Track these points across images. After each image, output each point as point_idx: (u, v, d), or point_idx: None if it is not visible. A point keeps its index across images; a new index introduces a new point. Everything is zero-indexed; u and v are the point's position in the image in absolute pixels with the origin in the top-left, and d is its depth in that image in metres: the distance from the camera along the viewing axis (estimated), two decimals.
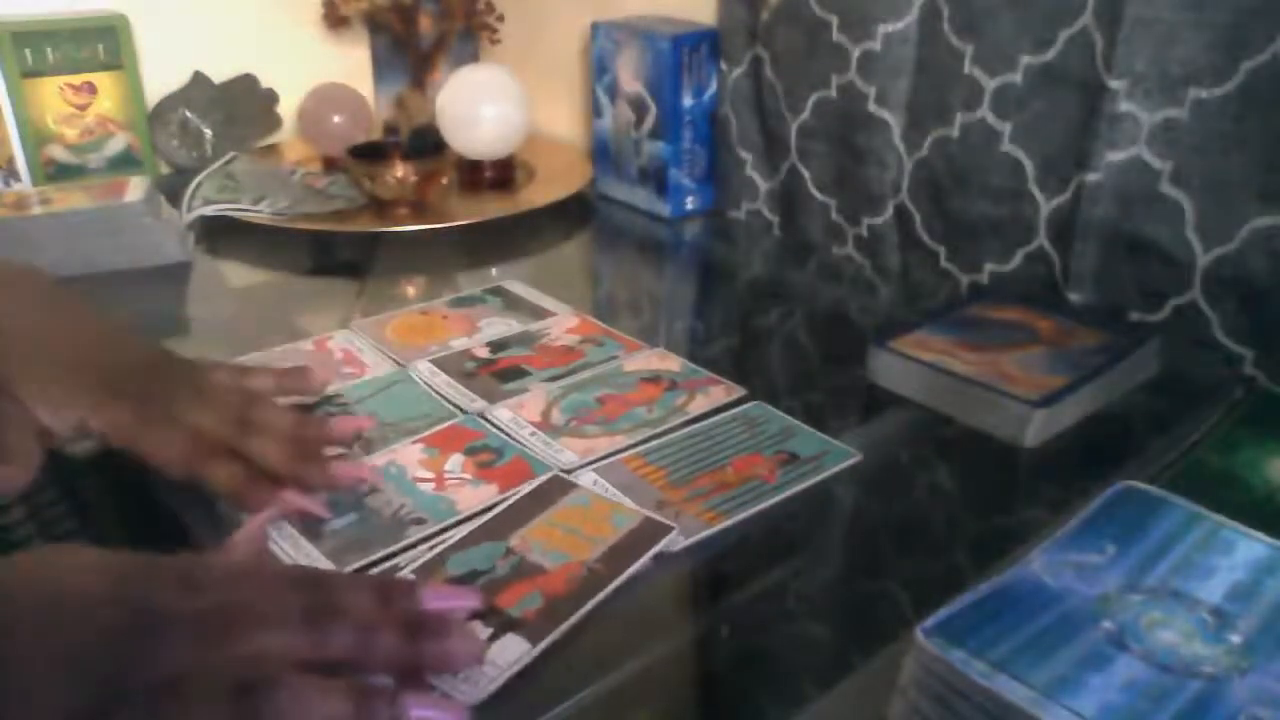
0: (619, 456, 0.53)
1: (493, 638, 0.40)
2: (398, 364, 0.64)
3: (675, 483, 0.51)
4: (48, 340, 0.49)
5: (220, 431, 0.48)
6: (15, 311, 0.50)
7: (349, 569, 0.44)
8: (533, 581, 0.43)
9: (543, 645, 0.40)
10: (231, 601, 0.35)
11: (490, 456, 0.53)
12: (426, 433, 0.55)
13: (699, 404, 0.58)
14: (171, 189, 0.90)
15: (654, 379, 0.61)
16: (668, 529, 0.47)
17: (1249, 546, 0.39)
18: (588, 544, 0.46)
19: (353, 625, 0.36)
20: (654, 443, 0.55)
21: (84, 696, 0.31)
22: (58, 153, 0.97)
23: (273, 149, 1.08)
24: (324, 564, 0.45)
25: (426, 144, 0.94)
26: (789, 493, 0.50)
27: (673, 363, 0.63)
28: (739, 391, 0.60)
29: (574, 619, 0.41)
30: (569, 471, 0.52)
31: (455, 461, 0.53)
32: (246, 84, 1.08)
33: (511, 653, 0.39)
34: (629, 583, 0.44)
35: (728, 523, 0.48)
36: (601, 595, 0.43)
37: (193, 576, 0.35)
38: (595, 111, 0.97)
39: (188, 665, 0.32)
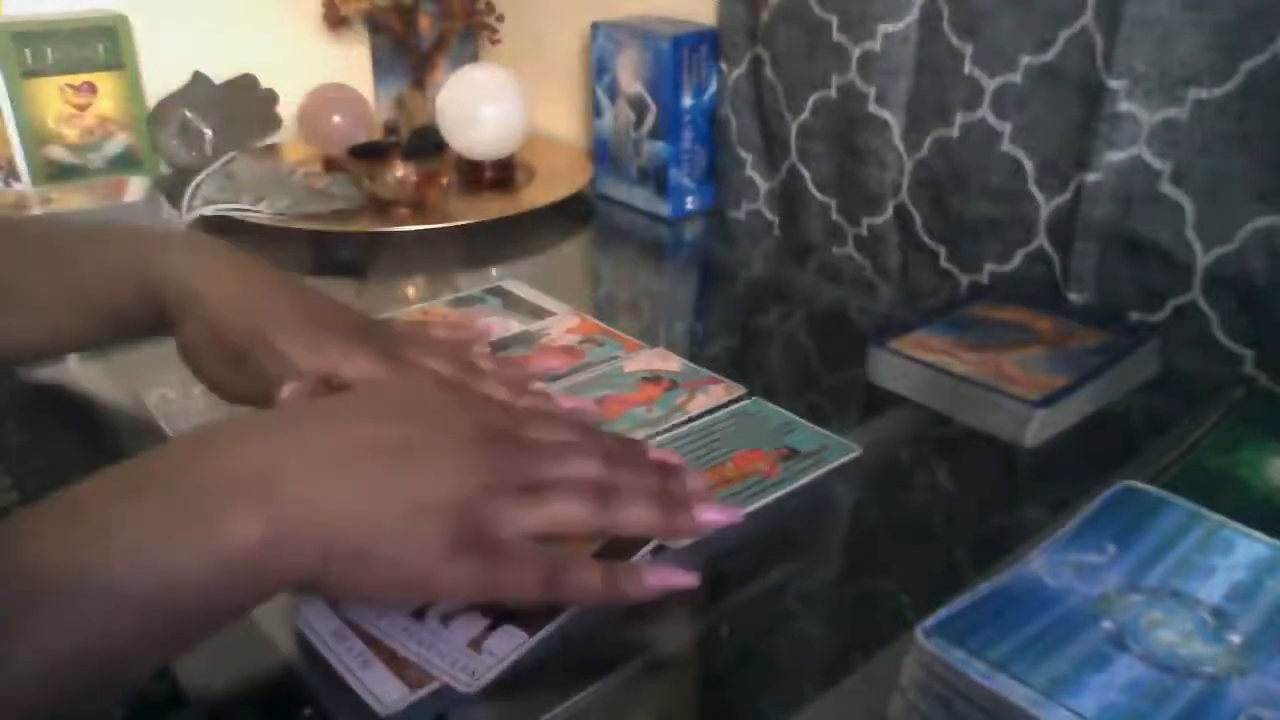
0: None
1: (490, 628, 0.40)
2: None
3: None
4: (286, 297, 0.50)
5: (452, 376, 0.52)
6: (238, 276, 0.51)
7: None
8: None
9: (540, 636, 0.40)
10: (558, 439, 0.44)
11: None
12: None
13: (699, 403, 0.58)
14: (171, 189, 0.90)
15: (654, 379, 0.61)
16: None
17: (1249, 546, 0.39)
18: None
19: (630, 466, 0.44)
20: (654, 441, 0.55)
21: (468, 487, 0.38)
22: (58, 153, 0.97)
23: (273, 149, 1.08)
24: None
25: (426, 144, 0.94)
26: (791, 487, 0.50)
27: (673, 363, 0.63)
28: (739, 391, 0.60)
29: (570, 610, 0.41)
30: None
31: None
32: (246, 84, 1.08)
33: (508, 643, 0.39)
34: None
35: None
36: None
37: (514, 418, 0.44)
38: (595, 111, 0.97)
39: (542, 475, 0.41)
